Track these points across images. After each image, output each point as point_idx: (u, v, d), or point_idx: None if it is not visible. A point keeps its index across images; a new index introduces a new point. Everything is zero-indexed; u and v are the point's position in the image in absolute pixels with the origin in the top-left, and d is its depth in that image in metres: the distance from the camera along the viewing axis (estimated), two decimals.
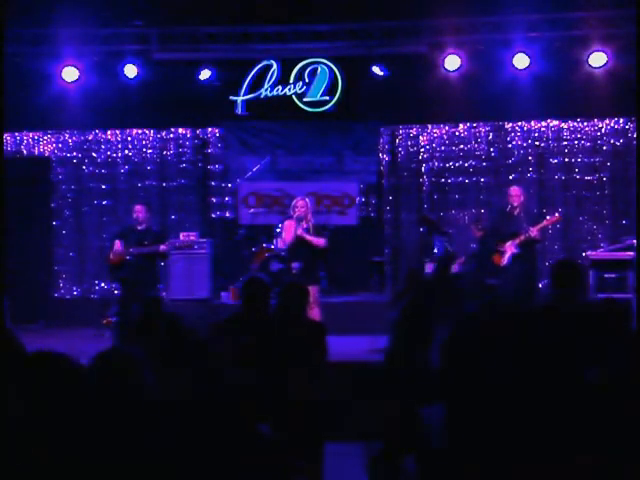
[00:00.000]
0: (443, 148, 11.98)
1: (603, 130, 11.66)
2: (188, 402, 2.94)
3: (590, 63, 10.72)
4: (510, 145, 11.84)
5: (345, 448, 5.47)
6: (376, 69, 11.22)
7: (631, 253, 9.21)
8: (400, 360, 4.84)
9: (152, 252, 8.83)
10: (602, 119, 11.61)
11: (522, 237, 8.76)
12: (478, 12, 10.63)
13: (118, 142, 12.19)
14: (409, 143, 12.09)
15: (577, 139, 11.71)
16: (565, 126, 11.74)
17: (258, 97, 11.62)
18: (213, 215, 12.23)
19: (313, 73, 11.59)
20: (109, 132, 12.16)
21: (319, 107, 11.66)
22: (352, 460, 5.34)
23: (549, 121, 11.73)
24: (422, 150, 12.05)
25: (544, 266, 10.59)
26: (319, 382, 4.82)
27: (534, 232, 8.72)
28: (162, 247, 8.83)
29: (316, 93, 11.61)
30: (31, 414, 2.69)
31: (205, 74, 11.29)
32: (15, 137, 12.05)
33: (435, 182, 12.03)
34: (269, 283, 5.26)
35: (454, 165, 11.97)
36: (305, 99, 11.65)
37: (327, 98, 11.60)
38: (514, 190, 9.04)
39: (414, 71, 11.26)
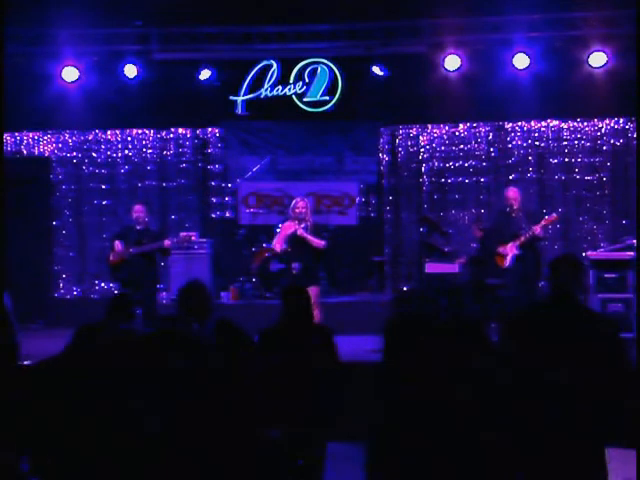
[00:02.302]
0: (443, 148, 11.98)
1: (603, 130, 11.66)
2: None
3: (590, 63, 10.73)
4: (510, 145, 11.83)
5: (345, 448, 5.46)
6: (376, 69, 11.22)
7: (631, 253, 9.20)
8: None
9: (156, 248, 8.82)
10: (602, 119, 11.60)
11: (522, 238, 8.75)
12: (478, 12, 10.64)
13: (118, 142, 12.19)
14: (409, 143, 12.09)
15: (577, 139, 11.70)
16: (565, 126, 11.73)
17: (258, 97, 11.62)
18: (213, 215, 12.23)
19: (313, 73, 11.59)
20: (109, 132, 12.15)
21: (319, 107, 11.66)
22: (352, 460, 5.34)
23: (549, 121, 11.73)
24: (422, 150, 12.04)
25: (544, 267, 10.57)
26: (329, 385, 4.81)
27: (537, 230, 8.70)
28: (167, 242, 8.83)
29: (316, 93, 11.61)
30: None
31: (205, 74, 11.30)
32: (15, 137, 12.04)
33: (435, 182, 12.02)
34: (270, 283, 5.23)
35: (454, 165, 11.97)
36: (305, 99, 11.65)
37: (327, 98, 11.60)
38: (511, 192, 9.02)
39: (414, 71, 11.26)
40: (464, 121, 11.87)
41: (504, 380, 3.29)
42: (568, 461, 3.31)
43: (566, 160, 11.72)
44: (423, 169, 12.06)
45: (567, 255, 4.29)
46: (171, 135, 12.21)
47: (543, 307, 3.87)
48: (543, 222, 8.91)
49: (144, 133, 12.20)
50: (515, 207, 8.84)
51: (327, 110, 11.64)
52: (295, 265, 8.40)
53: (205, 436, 2.93)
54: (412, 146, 12.08)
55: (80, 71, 11.12)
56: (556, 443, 3.33)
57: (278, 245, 8.81)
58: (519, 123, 11.80)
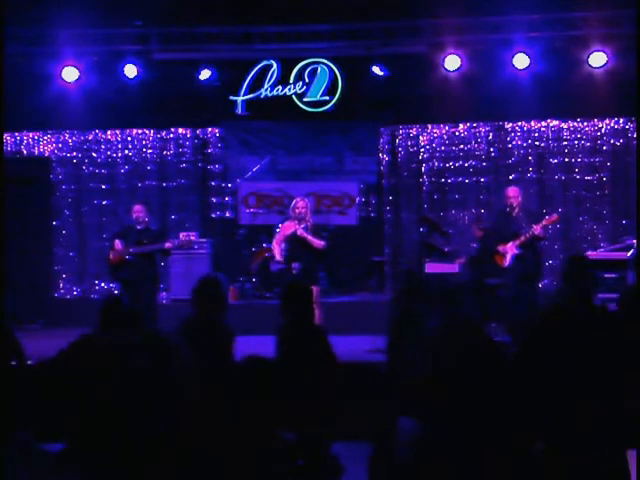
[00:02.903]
0: (443, 148, 11.98)
1: (603, 130, 11.66)
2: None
3: (590, 63, 10.72)
4: (510, 145, 11.84)
5: (345, 448, 5.46)
6: (376, 69, 11.22)
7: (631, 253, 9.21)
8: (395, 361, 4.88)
9: (155, 250, 8.83)
10: (602, 119, 11.61)
11: (523, 238, 8.73)
12: (478, 12, 10.63)
13: (118, 142, 12.19)
14: (409, 143, 12.09)
15: (577, 139, 11.71)
16: (565, 126, 11.74)
17: (258, 97, 11.62)
18: (213, 215, 12.23)
19: (313, 73, 11.59)
20: (109, 132, 12.16)
21: (319, 107, 11.65)
22: (352, 460, 5.34)
23: (549, 121, 11.73)
24: (422, 150, 12.04)
25: (544, 266, 10.58)
26: (329, 385, 4.83)
27: (537, 230, 8.69)
28: (167, 244, 8.84)
29: (316, 93, 11.61)
30: None
31: (205, 74, 11.29)
32: (15, 137, 12.04)
33: (435, 182, 12.03)
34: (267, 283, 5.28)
35: (454, 165, 11.97)
36: (305, 99, 11.65)
37: (327, 98, 11.60)
38: (512, 191, 9.01)
39: (414, 71, 11.26)
40: (464, 121, 11.87)
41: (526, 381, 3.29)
42: (591, 464, 3.30)
43: (566, 160, 11.72)
44: (423, 169, 12.06)
45: (580, 256, 4.30)
46: (171, 135, 12.21)
47: (562, 309, 3.86)
48: (544, 222, 8.89)
49: (144, 133, 12.21)
50: (515, 206, 8.82)
51: (327, 110, 11.64)
52: (295, 265, 8.41)
53: (216, 438, 2.92)
54: (412, 146, 12.08)
55: (80, 71, 11.12)
56: (578, 445, 3.33)
57: (277, 250, 8.83)
58: (519, 123, 11.80)
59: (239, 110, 11.71)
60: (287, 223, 8.75)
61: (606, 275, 9.18)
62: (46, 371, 3.12)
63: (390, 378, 5.07)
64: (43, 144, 12.20)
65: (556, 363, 3.46)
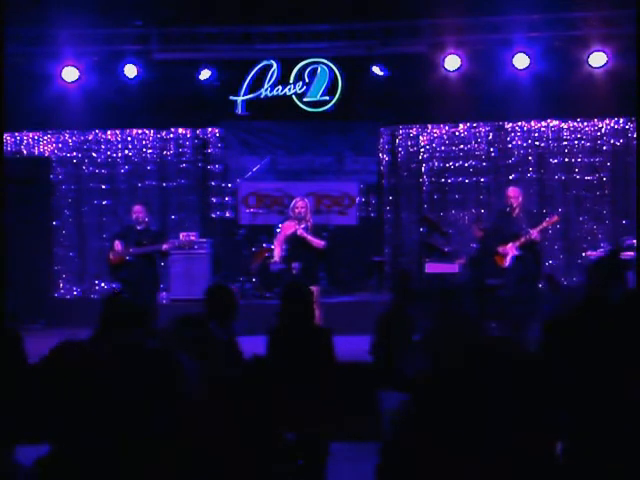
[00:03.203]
0: (443, 148, 11.99)
1: (603, 130, 11.67)
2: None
3: (590, 63, 10.73)
4: (510, 145, 11.84)
5: (345, 448, 5.47)
6: (376, 69, 11.23)
7: (631, 253, 9.19)
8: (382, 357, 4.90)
9: (154, 251, 8.82)
10: (602, 119, 11.62)
11: (522, 239, 8.73)
12: (478, 12, 10.64)
13: (118, 142, 12.19)
14: (409, 143, 12.10)
15: (577, 139, 11.72)
16: (565, 126, 11.75)
17: (258, 97, 11.62)
18: (213, 215, 12.24)
19: (313, 73, 11.60)
20: (109, 132, 12.16)
21: (319, 107, 11.66)
22: (352, 460, 5.34)
23: (549, 121, 11.74)
24: (422, 150, 12.05)
25: (544, 267, 10.58)
26: (328, 385, 4.83)
27: (534, 234, 8.69)
28: (165, 246, 8.83)
29: (316, 93, 11.61)
30: None
31: (205, 74, 11.30)
32: (15, 137, 12.04)
33: (435, 182, 12.04)
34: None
35: (454, 165, 11.98)
36: (305, 99, 11.65)
37: (327, 98, 11.60)
38: (512, 191, 9.00)
39: (414, 71, 11.27)
40: (464, 121, 11.88)
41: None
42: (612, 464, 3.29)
43: (566, 160, 11.73)
44: (423, 169, 12.07)
45: (603, 258, 4.29)
46: (171, 135, 12.22)
47: (578, 310, 3.84)
48: (544, 224, 8.88)
49: (144, 133, 12.21)
50: (515, 206, 8.81)
51: (327, 110, 11.64)
52: (295, 265, 8.41)
53: (216, 438, 2.92)
54: (412, 146, 12.09)
55: (80, 71, 11.12)
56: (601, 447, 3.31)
57: (277, 251, 8.85)
58: (519, 123, 11.81)
59: (239, 110, 11.71)
60: (287, 223, 8.75)
61: None
62: (34, 374, 3.11)
63: (376, 376, 5.09)
64: (43, 144, 12.20)
65: (576, 362, 3.44)
